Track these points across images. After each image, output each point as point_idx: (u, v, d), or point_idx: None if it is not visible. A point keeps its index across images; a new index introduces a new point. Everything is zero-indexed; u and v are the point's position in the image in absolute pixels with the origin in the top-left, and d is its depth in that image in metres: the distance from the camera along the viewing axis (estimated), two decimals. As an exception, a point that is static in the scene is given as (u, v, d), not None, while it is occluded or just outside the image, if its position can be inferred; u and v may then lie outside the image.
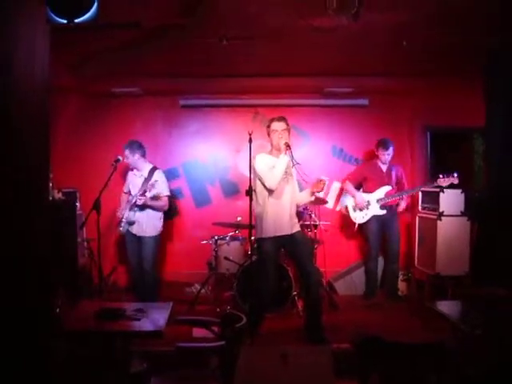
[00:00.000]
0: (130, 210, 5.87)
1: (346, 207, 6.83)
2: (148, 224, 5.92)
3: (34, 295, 2.74)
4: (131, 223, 5.89)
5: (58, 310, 3.36)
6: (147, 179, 5.89)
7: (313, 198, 5.25)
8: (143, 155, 5.99)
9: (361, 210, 6.61)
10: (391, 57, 5.58)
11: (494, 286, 4.26)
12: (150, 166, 6.04)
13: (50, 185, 5.30)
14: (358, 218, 6.67)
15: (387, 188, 6.55)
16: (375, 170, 6.67)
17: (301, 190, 5.31)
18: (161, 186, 5.88)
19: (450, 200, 6.12)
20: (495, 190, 5.21)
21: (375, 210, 6.54)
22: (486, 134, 5.77)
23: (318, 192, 5.01)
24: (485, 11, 4.30)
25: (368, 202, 6.58)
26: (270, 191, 4.94)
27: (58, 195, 5.83)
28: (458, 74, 6.17)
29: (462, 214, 6.12)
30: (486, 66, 5.28)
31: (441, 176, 6.17)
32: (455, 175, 6.13)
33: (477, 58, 5.21)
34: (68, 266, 5.49)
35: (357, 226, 6.72)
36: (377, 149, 6.63)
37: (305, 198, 5.18)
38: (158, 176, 5.95)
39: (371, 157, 6.89)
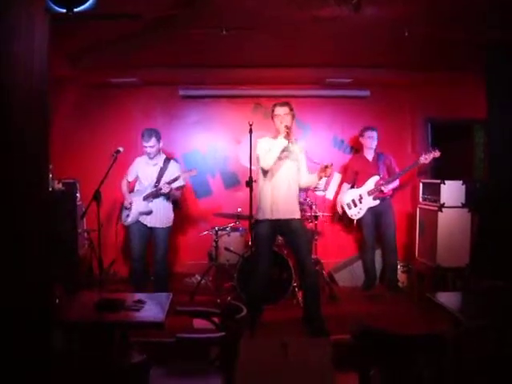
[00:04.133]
0: (145, 199, 5.83)
1: (343, 207, 6.83)
2: (164, 215, 5.93)
3: (33, 286, 2.74)
4: (147, 213, 5.84)
5: (57, 301, 3.36)
6: (163, 168, 5.89)
7: (320, 182, 5.33)
8: None
9: (355, 205, 6.62)
10: (393, 48, 5.55)
11: (494, 278, 4.26)
12: (164, 156, 6.04)
13: (50, 175, 5.28)
14: (354, 214, 6.67)
15: (375, 178, 6.55)
16: (361, 162, 6.72)
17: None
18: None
19: (451, 191, 6.10)
20: (497, 181, 5.20)
21: (369, 202, 6.55)
22: (487, 127, 5.75)
23: (326, 177, 5.05)
24: (486, 4, 4.28)
25: (360, 195, 6.58)
26: (265, 172, 5.03)
27: (58, 186, 5.82)
28: (459, 66, 6.15)
29: (463, 205, 6.10)
30: (487, 60, 5.26)
31: (423, 154, 6.35)
32: (436, 149, 6.30)
33: (478, 50, 5.19)
34: (68, 257, 5.48)
35: (355, 222, 6.73)
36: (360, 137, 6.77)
37: (314, 180, 5.19)
38: (177, 166, 5.98)
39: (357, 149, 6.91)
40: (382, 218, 6.58)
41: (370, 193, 6.53)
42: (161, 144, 5.90)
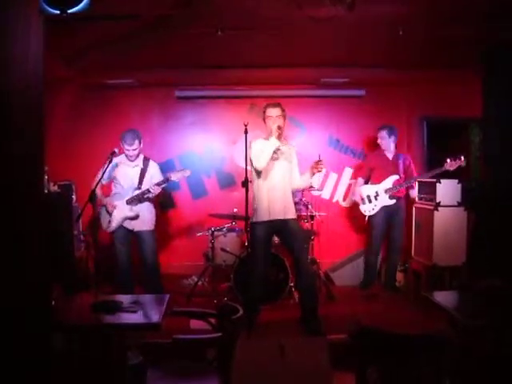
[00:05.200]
0: (130, 203, 5.61)
1: (356, 201, 6.79)
2: (148, 218, 5.74)
3: (33, 286, 2.73)
4: (133, 218, 5.63)
5: (53, 303, 3.34)
6: (143, 169, 5.67)
7: (314, 179, 5.25)
8: None
9: (369, 201, 6.57)
10: (388, 47, 5.56)
11: (491, 277, 4.26)
12: (143, 156, 5.79)
13: (46, 177, 5.26)
14: (368, 210, 6.57)
15: (395, 177, 6.49)
16: (381, 160, 6.64)
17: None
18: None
19: (447, 190, 6.11)
20: (494, 181, 5.20)
21: (384, 200, 6.48)
22: (483, 126, 5.76)
23: (319, 172, 5.03)
24: (483, 3, 4.28)
25: (376, 192, 6.54)
26: (259, 173, 5.03)
27: (54, 188, 5.80)
28: (454, 65, 6.16)
29: (459, 204, 6.11)
30: (484, 59, 5.28)
31: (448, 160, 6.15)
32: (462, 158, 6.12)
33: (474, 49, 5.20)
34: (64, 259, 5.45)
35: (367, 218, 6.64)
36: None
37: (306, 180, 5.20)
38: (157, 166, 5.79)
39: (376, 147, 6.84)
40: (393, 217, 6.54)
41: (387, 191, 6.48)
42: (141, 144, 5.66)
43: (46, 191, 5.25)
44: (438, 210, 6.06)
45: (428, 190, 6.36)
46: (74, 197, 6.42)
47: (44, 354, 2.79)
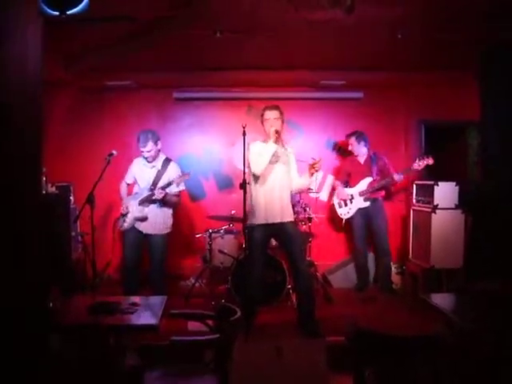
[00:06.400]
0: (140, 204, 5.55)
1: (333, 204, 6.92)
2: (160, 221, 5.61)
3: (33, 286, 2.73)
4: (142, 219, 5.55)
5: (50, 305, 3.34)
6: (161, 171, 5.58)
7: (313, 179, 5.19)
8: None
9: (345, 204, 6.66)
10: (386, 50, 5.57)
11: (489, 279, 4.26)
12: (164, 157, 5.72)
13: (44, 179, 5.26)
14: (344, 213, 6.75)
15: (368, 180, 6.58)
16: (354, 165, 6.76)
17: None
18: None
19: (445, 193, 6.12)
20: (495, 183, 5.19)
21: (359, 203, 6.60)
22: (481, 128, 5.77)
23: (317, 171, 5.00)
24: (480, 5, 4.29)
25: (351, 195, 6.62)
26: (257, 178, 5.03)
27: (52, 189, 5.79)
28: (452, 67, 6.17)
29: (457, 206, 6.12)
30: (481, 61, 5.28)
31: (416, 160, 6.30)
32: (429, 156, 6.25)
33: (473, 50, 5.21)
34: (61, 261, 5.44)
35: (344, 221, 6.79)
36: None
37: (306, 180, 5.17)
38: (177, 168, 5.64)
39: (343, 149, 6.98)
40: (372, 220, 6.60)
41: (361, 193, 6.56)
42: (159, 146, 5.59)
43: (43, 192, 5.24)
44: (435, 213, 6.08)
45: (426, 193, 6.38)
46: (71, 198, 6.42)
47: (42, 354, 2.79)
